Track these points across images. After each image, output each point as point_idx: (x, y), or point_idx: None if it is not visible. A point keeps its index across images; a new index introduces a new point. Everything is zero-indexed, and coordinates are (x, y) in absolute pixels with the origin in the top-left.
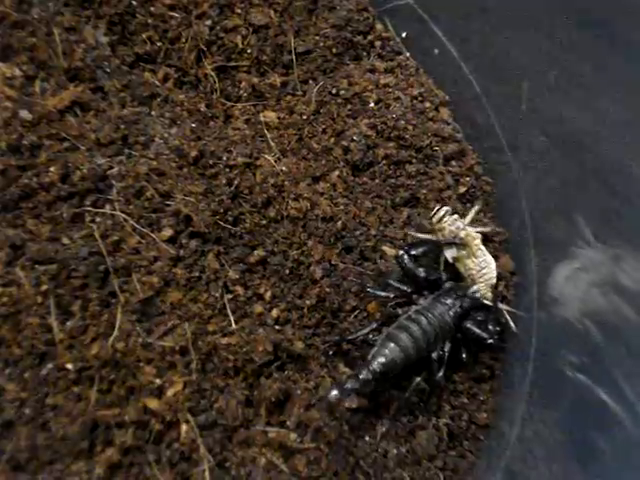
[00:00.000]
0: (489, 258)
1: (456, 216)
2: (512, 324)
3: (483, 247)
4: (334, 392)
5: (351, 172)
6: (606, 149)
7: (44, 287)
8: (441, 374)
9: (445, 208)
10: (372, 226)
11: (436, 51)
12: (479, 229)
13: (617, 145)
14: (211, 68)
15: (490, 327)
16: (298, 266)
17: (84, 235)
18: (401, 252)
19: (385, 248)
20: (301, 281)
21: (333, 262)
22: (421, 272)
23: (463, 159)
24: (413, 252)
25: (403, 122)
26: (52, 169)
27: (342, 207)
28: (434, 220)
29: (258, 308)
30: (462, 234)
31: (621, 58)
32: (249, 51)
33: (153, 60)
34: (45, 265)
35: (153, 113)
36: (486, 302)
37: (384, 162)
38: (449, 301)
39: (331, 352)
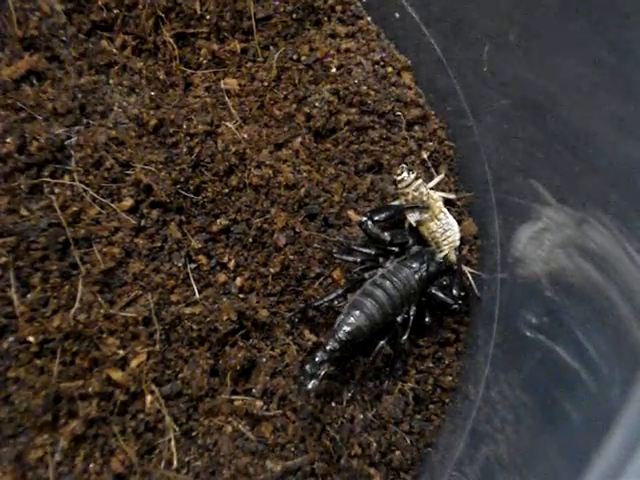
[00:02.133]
0: (452, 220)
1: (419, 181)
2: (475, 288)
3: (445, 210)
4: (313, 382)
5: (314, 139)
6: (568, 111)
7: (3, 259)
8: (405, 337)
9: (411, 173)
10: (335, 193)
11: (397, 15)
12: (443, 195)
13: (579, 107)
14: (170, 35)
15: (455, 292)
16: (261, 234)
17: (43, 206)
18: (364, 218)
19: (350, 213)
20: (265, 249)
21: (297, 229)
22: (386, 236)
23: (426, 124)
24: (376, 217)
25: (365, 87)
26: (9, 140)
27: (305, 174)
28: (399, 185)
29: (222, 277)
30: (424, 197)
31: (584, 20)
32: (208, 17)
33: (110, 28)
34: (3, 237)
35: (111, 82)
36: (451, 266)
37: (347, 128)
38: (415, 265)
39: (296, 319)
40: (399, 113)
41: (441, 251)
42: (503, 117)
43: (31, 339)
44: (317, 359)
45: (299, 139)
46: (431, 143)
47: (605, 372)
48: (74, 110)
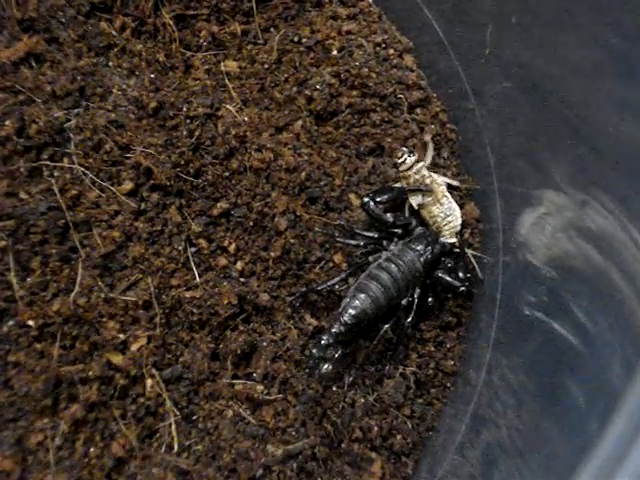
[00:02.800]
0: (454, 205)
1: (421, 164)
2: (478, 271)
3: (448, 194)
4: (326, 367)
5: (314, 122)
6: (570, 94)
7: (2, 243)
8: (410, 320)
9: (412, 156)
10: (337, 176)
11: None
12: (446, 180)
13: (582, 89)
14: (169, 17)
15: (460, 274)
16: (262, 218)
17: (42, 190)
18: (366, 199)
19: (351, 196)
20: (265, 233)
21: (298, 213)
22: (389, 217)
23: (428, 107)
24: (378, 198)
25: (367, 70)
26: (7, 123)
27: (306, 157)
28: (401, 168)
29: (222, 261)
30: (427, 181)
31: (587, 2)
32: None
33: (109, 9)
34: (3, 221)
35: (110, 64)
36: (455, 249)
37: (348, 111)
38: (420, 247)
39: (297, 303)
40: (401, 96)
41: (442, 236)
42: (505, 100)
43: (31, 323)
44: (323, 342)
45: (300, 122)
46: (433, 126)
47: (607, 355)
48: (73, 93)
